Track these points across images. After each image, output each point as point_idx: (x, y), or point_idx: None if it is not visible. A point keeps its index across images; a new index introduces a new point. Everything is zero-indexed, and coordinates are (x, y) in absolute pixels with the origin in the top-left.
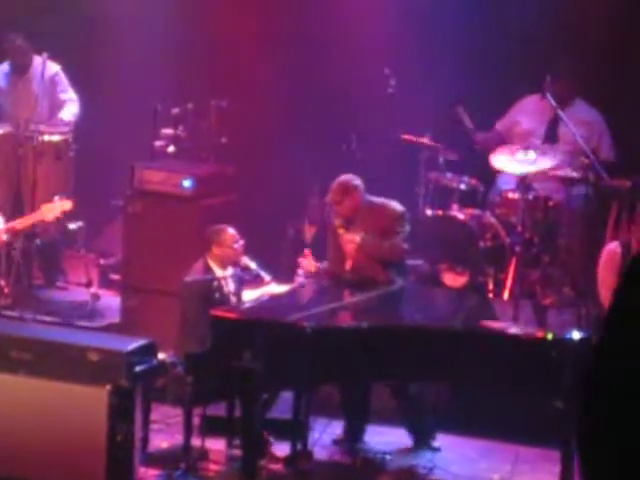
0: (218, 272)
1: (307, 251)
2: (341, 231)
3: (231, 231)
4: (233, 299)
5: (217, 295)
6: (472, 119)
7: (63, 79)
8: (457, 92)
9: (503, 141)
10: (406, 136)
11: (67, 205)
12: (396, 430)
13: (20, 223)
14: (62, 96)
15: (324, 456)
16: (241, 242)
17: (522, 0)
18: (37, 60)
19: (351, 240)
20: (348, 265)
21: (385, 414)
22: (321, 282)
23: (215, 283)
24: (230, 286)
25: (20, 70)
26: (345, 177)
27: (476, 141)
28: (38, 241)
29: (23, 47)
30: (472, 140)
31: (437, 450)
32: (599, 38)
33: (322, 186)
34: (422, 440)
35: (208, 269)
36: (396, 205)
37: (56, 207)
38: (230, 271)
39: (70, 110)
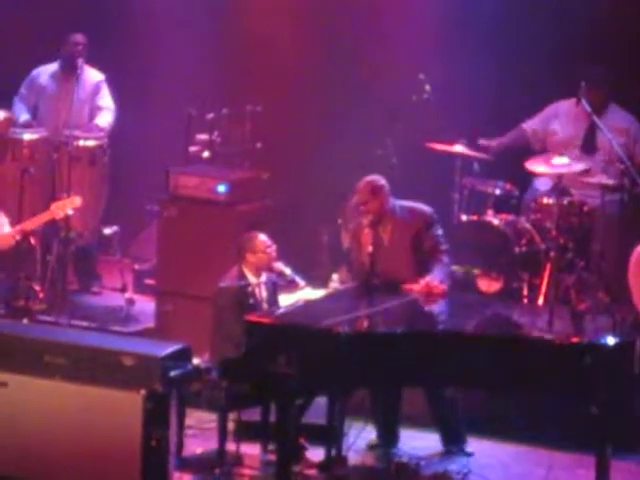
0: (252, 279)
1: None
2: (367, 231)
3: (263, 237)
4: (266, 305)
5: (251, 301)
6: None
7: (105, 88)
8: (491, 97)
9: (527, 142)
10: (436, 145)
11: (77, 202)
12: (430, 435)
13: (31, 223)
14: (101, 103)
15: (358, 461)
16: (273, 247)
17: (555, 6)
18: (84, 67)
19: (434, 286)
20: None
21: (419, 420)
22: (354, 288)
23: (249, 289)
24: (263, 293)
25: (70, 71)
26: (371, 177)
27: (493, 148)
28: (73, 246)
29: (84, 47)
30: (488, 149)
31: (470, 455)
32: (631, 43)
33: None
34: (455, 445)
35: (242, 276)
36: (425, 207)
37: (66, 204)
38: (264, 277)
39: (106, 118)
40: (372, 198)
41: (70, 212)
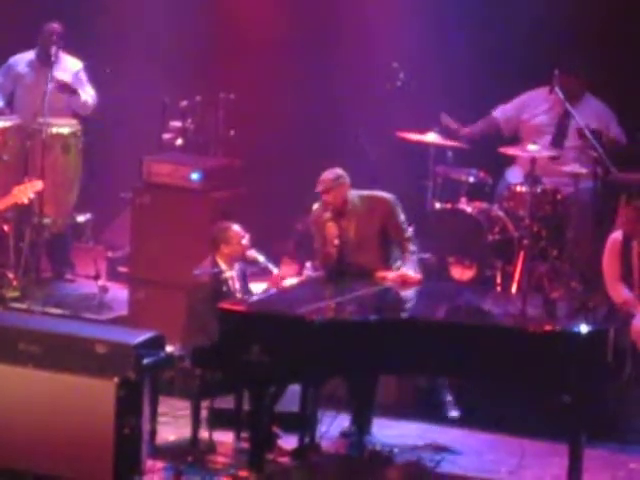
0: (225, 269)
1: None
2: (330, 224)
3: (236, 228)
4: (239, 294)
5: (224, 289)
6: (457, 122)
7: (84, 77)
8: (464, 85)
9: (499, 129)
10: (409, 134)
11: (38, 185)
12: (403, 424)
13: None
14: (81, 92)
15: (332, 449)
16: (247, 237)
17: None
18: (61, 54)
19: (409, 277)
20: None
21: (392, 408)
22: (327, 276)
23: (222, 277)
24: (237, 283)
25: (46, 60)
26: (332, 170)
27: (463, 134)
28: (46, 233)
29: (60, 36)
30: (458, 137)
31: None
32: (606, 32)
33: None
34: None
35: (216, 267)
36: (386, 194)
37: (27, 188)
38: (237, 268)
39: (85, 96)
40: (332, 190)
41: (32, 195)
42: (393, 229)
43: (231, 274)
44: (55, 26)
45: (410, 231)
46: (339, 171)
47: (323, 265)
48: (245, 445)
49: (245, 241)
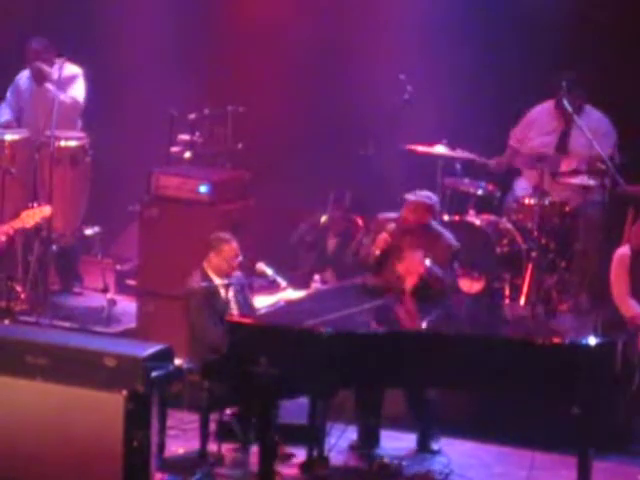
0: (215, 279)
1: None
2: (386, 235)
3: (233, 245)
4: (233, 306)
5: (219, 301)
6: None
7: (80, 81)
8: (471, 98)
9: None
10: (417, 147)
11: (46, 211)
12: (411, 436)
13: (9, 227)
14: (71, 92)
15: (340, 462)
16: (239, 259)
17: (533, 11)
18: (56, 64)
19: (419, 261)
20: (410, 282)
21: (400, 420)
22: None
23: (215, 289)
24: (229, 293)
25: (37, 76)
26: (429, 194)
27: (491, 167)
28: (55, 247)
29: (43, 52)
30: (487, 170)
31: (437, 453)
32: (603, 45)
33: (338, 194)
34: (427, 444)
35: (205, 276)
36: (453, 239)
37: (36, 213)
38: (233, 278)
39: (67, 98)
40: (422, 213)
41: (40, 221)
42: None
43: (222, 282)
44: (34, 43)
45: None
46: (435, 199)
47: (358, 264)
48: (254, 458)
49: (234, 262)
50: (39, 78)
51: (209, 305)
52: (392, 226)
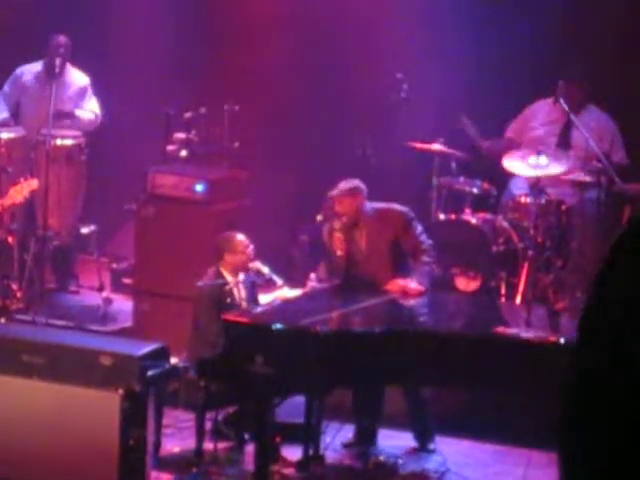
0: (229, 279)
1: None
2: (338, 234)
3: (241, 237)
4: (244, 304)
5: (229, 300)
6: (476, 127)
7: (91, 93)
8: (469, 96)
9: (514, 147)
10: (416, 143)
11: (34, 184)
12: (407, 434)
13: None
14: (85, 106)
15: (336, 460)
16: (251, 247)
17: (534, 5)
18: (68, 67)
19: (410, 289)
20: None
21: (397, 418)
22: (332, 286)
23: (227, 288)
24: (242, 292)
25: (52, 72)
26: (349, 180)
27: (483, 148)
28: (51, 245)
29: (67, 49)
30: (478, 148)
31: (433, 452)
32: (610, 42)
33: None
34: (427, 443)
35: (220, 276)
36: (400, 207)
37: (24, 187)
38: (242, 277)
39: (87, 115)
40: (349, 202)
41: (28, 195)
42: (407, 242)
43: (235, 281)
44: (62, 38)
45: (428, 243)
46: (356, 182)
47: (331, 275)
48: (249, 457)
49: (249, 251)
50: (58, 74)
51: (217, 303)
52: (338, 224)
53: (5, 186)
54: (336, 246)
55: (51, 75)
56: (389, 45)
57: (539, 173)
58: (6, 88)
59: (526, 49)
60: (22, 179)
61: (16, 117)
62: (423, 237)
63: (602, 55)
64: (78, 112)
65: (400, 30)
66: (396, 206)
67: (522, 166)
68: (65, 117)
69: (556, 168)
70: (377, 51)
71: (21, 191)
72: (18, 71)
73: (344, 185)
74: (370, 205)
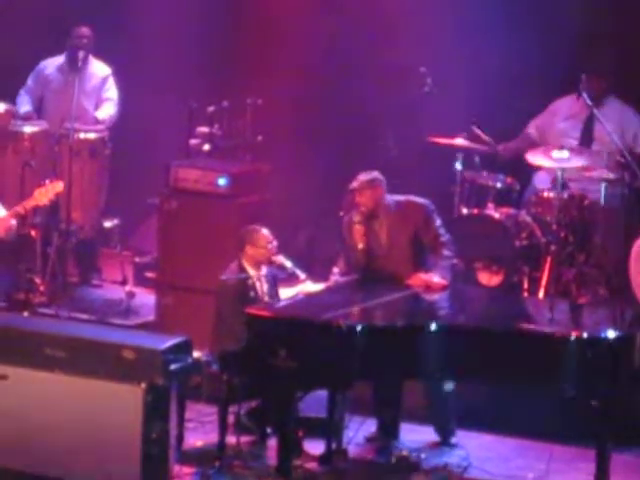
0: (252, 272)
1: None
2: (357, 227)
3: (265, 232)
4: (267, 298)
5: (252, 294)
6: (487, 134)
7: (111, 81)
8: (490, 91)
9: (534, 143)
10: (438, 138)
11: (59, 186)
12: (429, 428)
13: (14, 212)
14: (105, 95)
15: (358, 455)
16: (274, 243)
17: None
18: (90, 59)
19: (433, 283)
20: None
21: (418, 413)
22: (354, 281)
23: (250, 282)
24: (264, 286)
25: (75, 64)
26: (368, 173)
27: (499, 151)
28: (74, 239)
29: (89, 40)
30: (495, 153)
31: (455, 446)
32: (632, 34)
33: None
34: (448, 438)
35: (242, 270)
36: (420, 200)
37: (49, 190)
38: (264, 270)
39: (107, 110)
40: (368, 193)
41: (53, 197)
42: (427, 235)
43: (257, 275)
44: (84, 30)
45: (447, 237)
46: (375, 174)
47: (353, 268)
48: (272, 451)
49: (272, 246)
50: (81, 66)
51: (240, 297)
52: (357, 216)
53: (29, 180)
54: (356, 239)
55: (74, 68)
56: (414, 39)
57: (562, 165)
58: (30, 82)
59: (548, 42)
60: (47, 181)
61: (39, 111)
62: (442, 230)
63: (625, 46)
64: (96, 114)
65: (424, 24)
66: (416, 198)
67: (545, 160)
68: (87, 122)
69: (579, 161)
70: (402, 45)
71: (46, 193)
72: (41, 65)
73: (363, 177)
74: (390, 198)
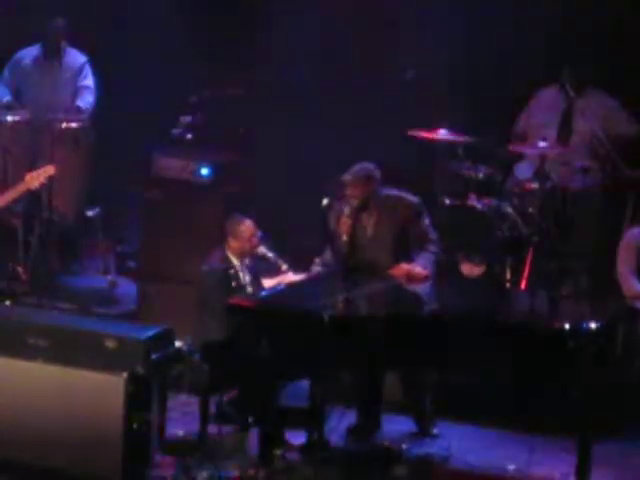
0: (235, 262)
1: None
2: (345, 219)
3: (248, 224)
4: (249, 288)
5: (234, 284)
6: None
7: (88, 69)
8: (476, 82)
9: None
10: (420, 132)
11: (50, 170)
12: (411, 419)
13: (8, 195)
14: (82, 83)
15: (340, 445)
16: (258, 235)
17: None
18: (66, 49)
19: (416, 272)
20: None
21: (400, 403)
22: (336, 271)
23: (232, 272)
24: (247, 276)
25: (51, 55)
26: (365, 164)
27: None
28: (56, 228)
29: (64, 32)
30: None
31: (436, 437)
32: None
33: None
34: (425, 427)
35: (225, 259)
36: (412, 197)
37: (40, 174)
38: (247, 261)
39: (87, 98)
40: (361, 188)
41: (44, 181)
42: (414, 233)
43: (239, 265)
44: (60, 21)
45: (435, 235)
46: (371, 167)
47: (337, 258)
48: (254, 440)
49: (254, 239)
50: (57, 56)
51: (223, 286)
52: (347, 208)
53: (11, 169)
54: (342, 230)
55: (50, 58)
56: (399, 31)
57: (545, 150)
58: (6, 73)
59: (533, 35)
60: (38, 164)
61: (16, 102)
62: (431, 229)
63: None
64: (77, 103)
65: (406, 14)
66: (408, 196)
67: (528, 148)
68: (69, 111)
69: (559, 151)
70: (386, 37)
71: (37, 177)
72: (17, 55)
73: (359, 170)
74: (382, 190)
